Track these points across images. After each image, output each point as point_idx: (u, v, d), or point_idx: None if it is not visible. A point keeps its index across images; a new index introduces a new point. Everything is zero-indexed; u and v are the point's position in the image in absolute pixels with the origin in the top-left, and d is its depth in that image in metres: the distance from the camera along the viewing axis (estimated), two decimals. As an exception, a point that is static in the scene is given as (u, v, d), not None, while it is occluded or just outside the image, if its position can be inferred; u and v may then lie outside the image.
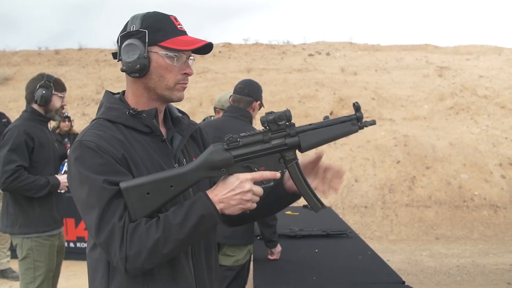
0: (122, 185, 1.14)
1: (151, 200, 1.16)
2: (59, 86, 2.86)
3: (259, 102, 2.79)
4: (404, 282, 2.19)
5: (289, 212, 3.83)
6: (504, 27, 27.69)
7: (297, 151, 1.27)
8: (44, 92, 2.76)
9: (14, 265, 4.76)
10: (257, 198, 1.20)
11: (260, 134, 1.24)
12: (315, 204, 1.29)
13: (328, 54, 12.57)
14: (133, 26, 1.25)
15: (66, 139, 5.89)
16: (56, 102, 2.84)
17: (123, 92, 1.34)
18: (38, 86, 2.78)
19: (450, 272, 5.00)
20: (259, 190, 1.20)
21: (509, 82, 10.23)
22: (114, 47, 13.56)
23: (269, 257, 2.63)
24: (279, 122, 1.23)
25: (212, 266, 1.37)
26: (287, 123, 1.25)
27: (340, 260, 2.55)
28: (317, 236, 2.97)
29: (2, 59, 13.27)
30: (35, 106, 2.81)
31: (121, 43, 1.26)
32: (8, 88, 11.72)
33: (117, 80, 11.34)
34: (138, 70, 1.23)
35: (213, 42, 1.31)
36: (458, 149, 7.93)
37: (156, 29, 1.24)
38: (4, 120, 4.45)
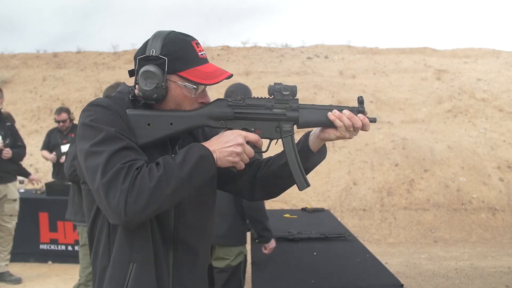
0: (129, 111, 1.22)
1: (151, 131, 1.22)
2: None
3: None
4: (402, 285, 2.20)
5: (287, 215, 3.83)
6: (502, 31, 27.80)
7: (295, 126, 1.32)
8: None
9: (12, 268, 4.75)
10: (247, 158, 1.23)
11: (264, 100, 1.31)
12: (301, 181, 1.31)
13: (326, 57, 12.59)
14: (153, 51, 1.22)
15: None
16: None
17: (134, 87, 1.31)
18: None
19: (449, 275, 5.00)
20: (250, 150, 1.23)
21: (507, 85, 10.26)
22: (112, 50, 13.56)
23: (263, 250, 2.75)
24: (284, 92, 1.29)
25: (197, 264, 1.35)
26: (291, 97, 1.30)
27: (338, 263, 2.55)
28: (315, 239, 2.97)
29: (0, 62, 13.25)
30: None
31: (139, 66, 1.23)
32: (6, 91, 11.62)
33: (115, 83, 11.34)
34: (155, 99, 1.23)
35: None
36: (456, 152, 7.94)
37: (176, 57, 1.22)
38: (9, 124, 4.48)
